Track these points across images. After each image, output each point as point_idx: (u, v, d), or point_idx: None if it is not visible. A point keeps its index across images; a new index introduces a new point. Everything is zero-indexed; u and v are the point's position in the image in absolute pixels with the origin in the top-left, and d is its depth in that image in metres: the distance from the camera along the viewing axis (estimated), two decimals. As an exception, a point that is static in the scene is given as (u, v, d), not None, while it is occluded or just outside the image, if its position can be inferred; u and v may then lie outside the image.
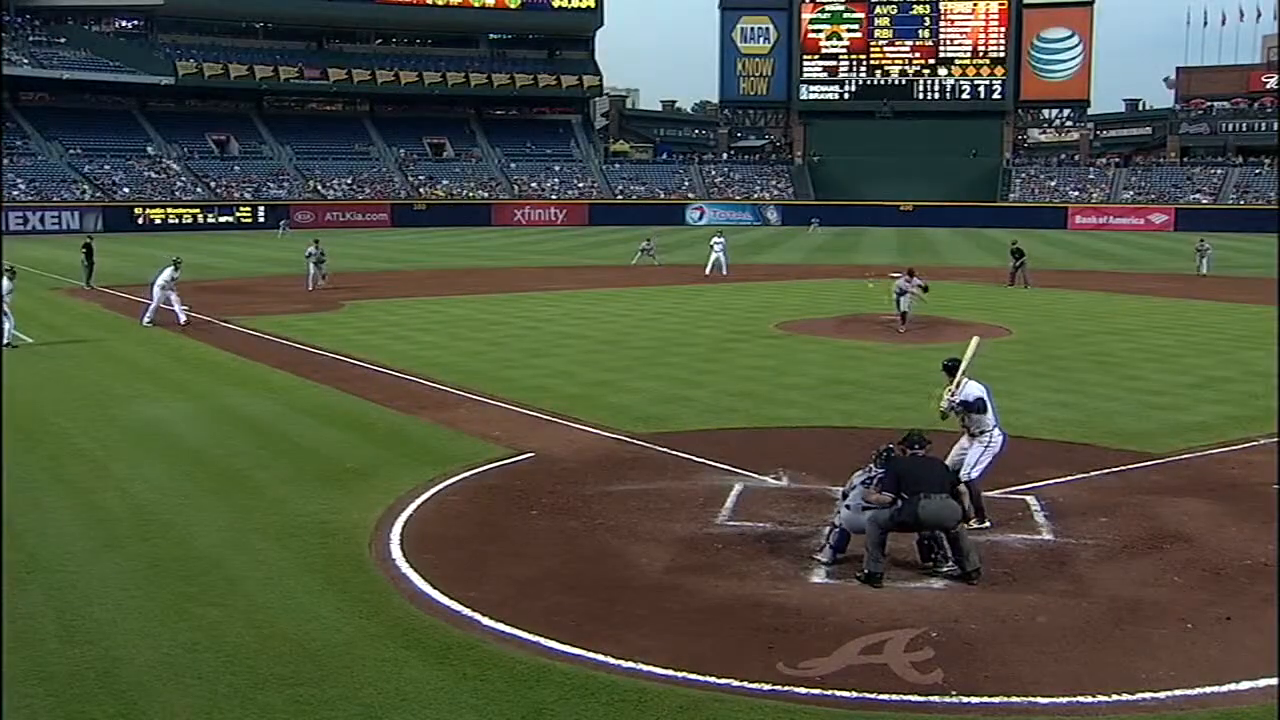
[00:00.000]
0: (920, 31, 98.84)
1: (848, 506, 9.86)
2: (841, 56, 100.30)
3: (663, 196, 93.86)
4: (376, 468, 13.03)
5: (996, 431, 10.98)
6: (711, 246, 43.21)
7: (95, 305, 30.68)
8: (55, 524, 10.89)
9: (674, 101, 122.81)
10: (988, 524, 10.82)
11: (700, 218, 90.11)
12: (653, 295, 33.96)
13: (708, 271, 41.26)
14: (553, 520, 11.17)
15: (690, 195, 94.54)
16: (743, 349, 22.59)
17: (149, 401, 17.06)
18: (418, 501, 11.65)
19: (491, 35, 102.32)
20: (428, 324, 26.81)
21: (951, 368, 11.31)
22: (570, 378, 19.18)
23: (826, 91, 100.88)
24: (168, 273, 26.15)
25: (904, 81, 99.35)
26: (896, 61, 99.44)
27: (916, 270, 26.87)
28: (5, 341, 22.12)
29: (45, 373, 19.66)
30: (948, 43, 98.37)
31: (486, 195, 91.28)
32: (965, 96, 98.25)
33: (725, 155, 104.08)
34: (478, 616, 8.64)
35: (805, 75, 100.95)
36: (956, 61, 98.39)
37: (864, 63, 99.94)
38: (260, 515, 11.22)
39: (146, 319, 25.71)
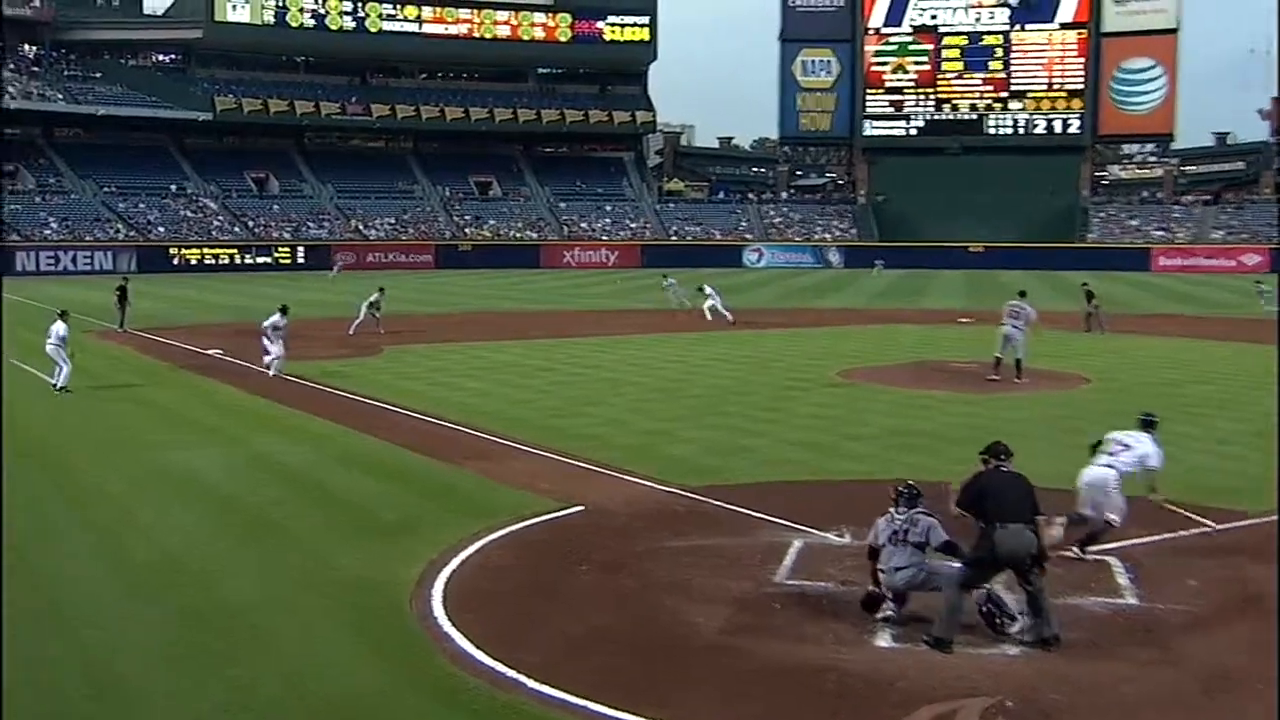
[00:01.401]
0: (991, 63, 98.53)
1: (897, 570, 9.69)
2: (907, 90, 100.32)
3: (719, 237, 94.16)
4: (418, 520, 13.11)
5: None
6: (696, 294, 42.29)
7: (128, 349, 31.28)
8: (82, 570, 11.10)
9: (731, 138, 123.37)
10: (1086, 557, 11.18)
11: (758, 260, 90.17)
12: (708, 341, 33.96)
13: (708, 318, 39.65)
14: (603, 577, 11.16)
15: (748, 236, 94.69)
16: (803, 398, 22.50)
17: (181, 447, 17.33)
18: (461, 556, 11.69)
19: (540, 70, 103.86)
20: (472, 370, 27.01)
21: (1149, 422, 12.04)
22: (622, 427, 19.21)
23: (892, 127, 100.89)
24: (275, 318, 25.49)
25: (974, 116, 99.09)
26: (966, 95, 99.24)
27: (1020, 308, 25.19)
28: (59, 385, 22.80)
29: (76, 417, 20.06)
30: (1021, 74, 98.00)
31: (535, 236, 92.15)
32: (1040, 131, 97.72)
33: (785, 194, 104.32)
34: (523, 678, 8.63)
35: (869, 110, 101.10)
36: (1030, 94, 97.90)
37: (931, 96, 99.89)
38: (295, 567, 11.33)
39: (274, 371, 25.08)
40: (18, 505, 13.50)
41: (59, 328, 23.65)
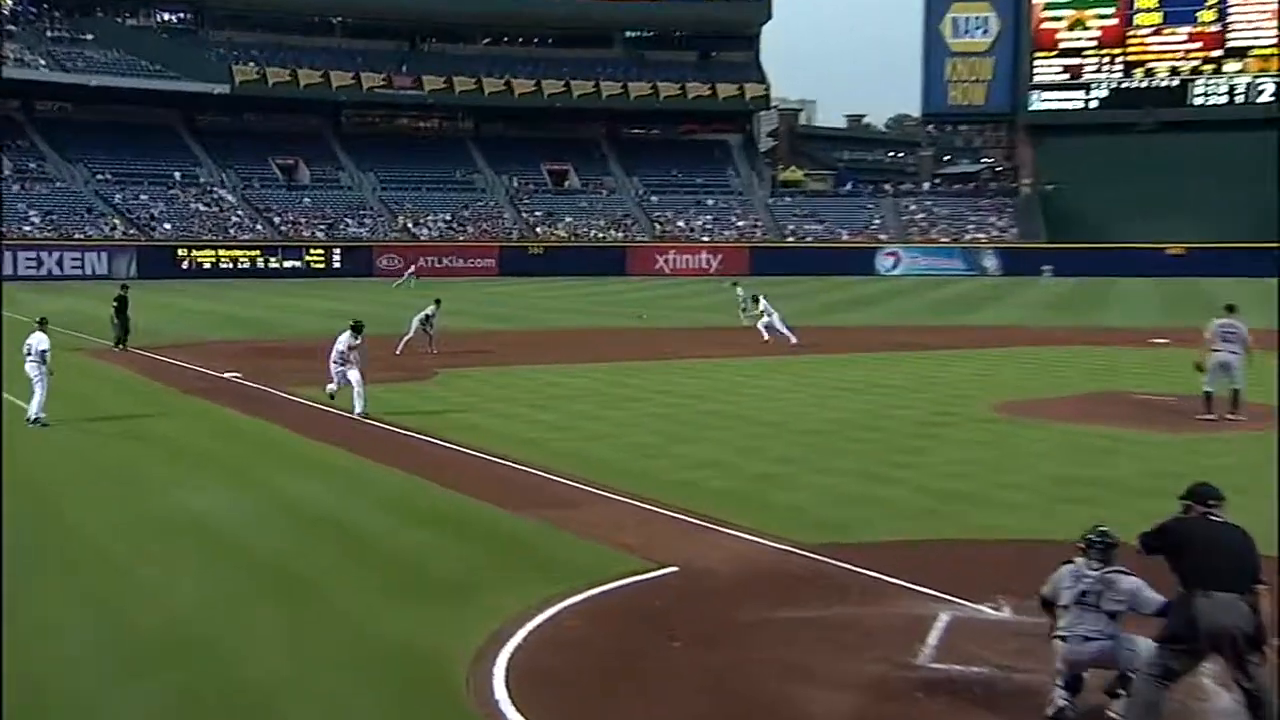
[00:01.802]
0: (1200, 13, 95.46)
1: (1087, 640, 9.54)
2: (1088, 52, 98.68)
3: (845, 239, 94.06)
4: (477, 580, 13.25)
5: None
6: (751, 304, 42.30)
7: (128, 370, 32.12)
8: (68, 643, 11.33)
9: (862, 116, 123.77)
10: None
11: (894, 265, 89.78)
12: (832, 364, 33.87)
13: (765, 338, 39.23)
14: (699, 654, 11.16)
15: (882, 237, 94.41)
16: (950, 435, 22.31)
17: (190, 490, 17.71)
18: (529, 626, 11.76)
19: (629, 33, 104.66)
20: (542, 398, 27.27)
21: None
22: (724, 470, 19.23)
23: (1066, 99, 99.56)
24: (345, 338, 24.61)
25: (1175, 83, 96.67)
26: (1165, 56, 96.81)
27: (1234, 328, 24.07)
28: (32, 416, 22.96)
29: (61, 454, 20.64)
30: (1242, 26, 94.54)
31: (621, 236, 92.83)
32: (1265, 100, 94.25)
33: (928, 185, 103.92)
34: (601, 776, 8.68)
35: (1037, 78, 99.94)
36: (1253, 52, 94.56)
37: (1119, 59, 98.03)
38: (327, 636, 11.52)
39: (359, 407, 24.15)
40: None
41: (38, 340, 23.64)
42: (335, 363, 24.59)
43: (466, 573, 13.54)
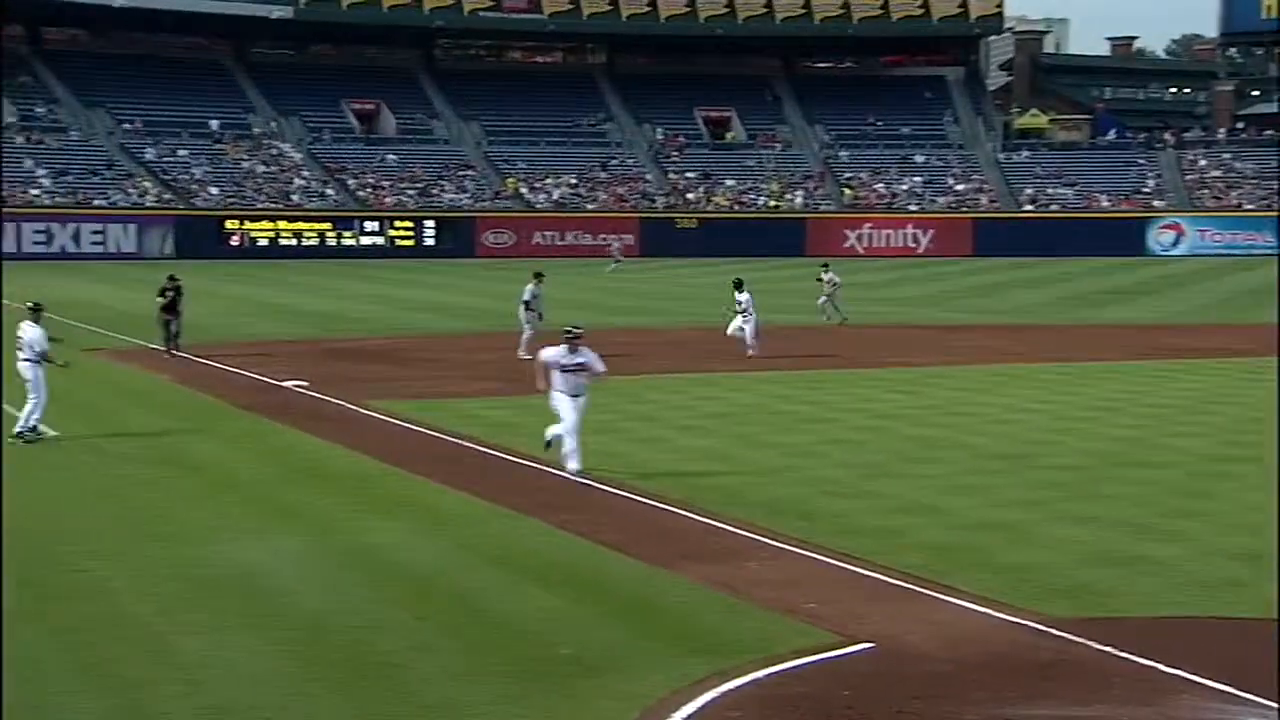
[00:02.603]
0: None
1: None
2: None
3: (1106, 206, 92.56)
4: (610, 657, 13.31)
5: None
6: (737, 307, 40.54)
7: (162, 377, 32.88)
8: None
9: (1131, 40, 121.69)
10: None
11: (1175, 242, 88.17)
12: (1085, 376, 33.49)
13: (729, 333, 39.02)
14: (906, 764, 11.13)
15: (1158, 204, 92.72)
16: (1251, 476, 21.82)
17: (239, 536, 18.02)
18: (677, 717, 11.83)
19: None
20: (696, 418, 27.33)
21: None
22: (936, 515, 19.08)
23: None
24: (556, 350, 23.17)
25: None
26: None
27: None
28: (20, 427, 23.90)
29: (73, 487, 21.08)
30: None
31: (800, 204, 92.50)
32: None
33: (1225, 132, 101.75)
34: None
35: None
36: None
37: None
38: (413, 733, 11.69)
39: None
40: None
41: (31, 333, 24.58)
42: (558, 390, 22.04)
43: (596, 648, 13.57)
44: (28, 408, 24.13)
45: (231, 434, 25.48)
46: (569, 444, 21.51)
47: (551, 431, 21.93)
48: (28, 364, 24.28)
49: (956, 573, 16.10)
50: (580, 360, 21.91)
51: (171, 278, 38.03)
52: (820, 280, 46.72)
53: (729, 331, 39.22)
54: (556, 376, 21.81)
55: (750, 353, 37.51)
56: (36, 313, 25.05)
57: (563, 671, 12.97)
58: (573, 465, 21.43)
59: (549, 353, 22.34)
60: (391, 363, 35.31)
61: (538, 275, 37.59)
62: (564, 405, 21.66)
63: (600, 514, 19.28)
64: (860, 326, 45.70)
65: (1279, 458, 19.27)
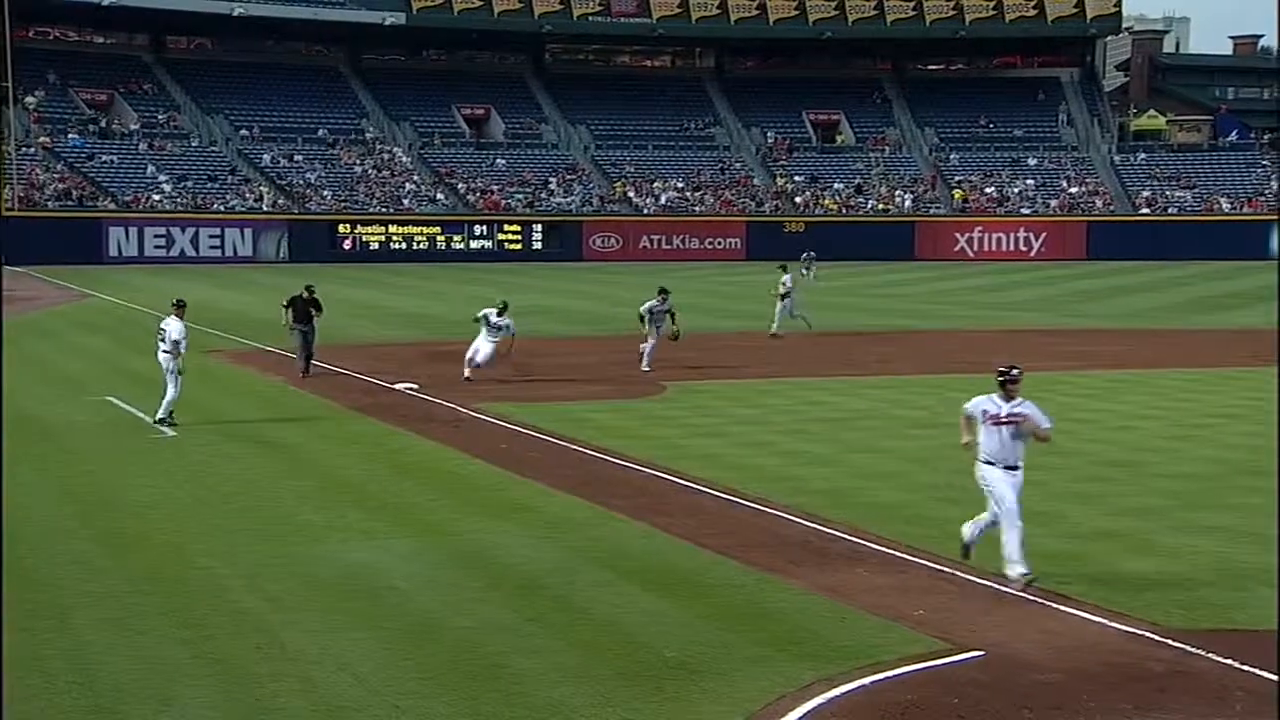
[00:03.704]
0: None
1: None
2: None
3: (1227, 209, 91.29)
4: (715, 662, 13.25)
5: None
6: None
7: (275, 379, 33.19)
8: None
9: (1257, 39, 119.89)
10: None
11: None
12: (1207, 383, 33.09)
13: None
14: (1018, 773, 11.00)
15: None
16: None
17: (353, 537, 18.19)
18: (785, 723, 11.80)
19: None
20: (805, 422, 27.25)
21: None
22: (1052, 522, 18.83)
23: None
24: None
25: None
26: None
27: None
28: (159, 416, 25.70)
29: (192, 484, 21.38)
30: None
31: (909, 207, 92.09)
32: None
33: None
34: None
35: None
36: None
37: None
38: (523, 734, 11.69)
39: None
40: (94, 619, 14.52)
41: (174, 326, 26.02)
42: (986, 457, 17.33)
43: (703, 651, 13.54)
44: (168, 396, 25.65)
45: (344, 436, 25.70)
46: (1011, 541, 15.85)
47: (975, 528, 16.51)
48: (168, 356, 25.80)
49: (1070, 581, 15.92)
50: (1020, 411, 16.65)
51: (309, 288, 33.82)
52: (782, 284, 44.50)
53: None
54: (986, 435, 16.59)
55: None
56: (180, 309, 26.47)
57: (667, 674, 12.95)
58: (1018, 570, 15.74)
59: (975, 403, 17.00)
60: (503, 366, 35.41)
61: (663, 292, 36.88)
62: (996, 482, 16.27)
63: (703, 519, 19.23)
64: (975, 330, 45.39)
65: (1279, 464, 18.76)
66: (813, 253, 71.90)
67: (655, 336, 34.71)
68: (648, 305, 36.03)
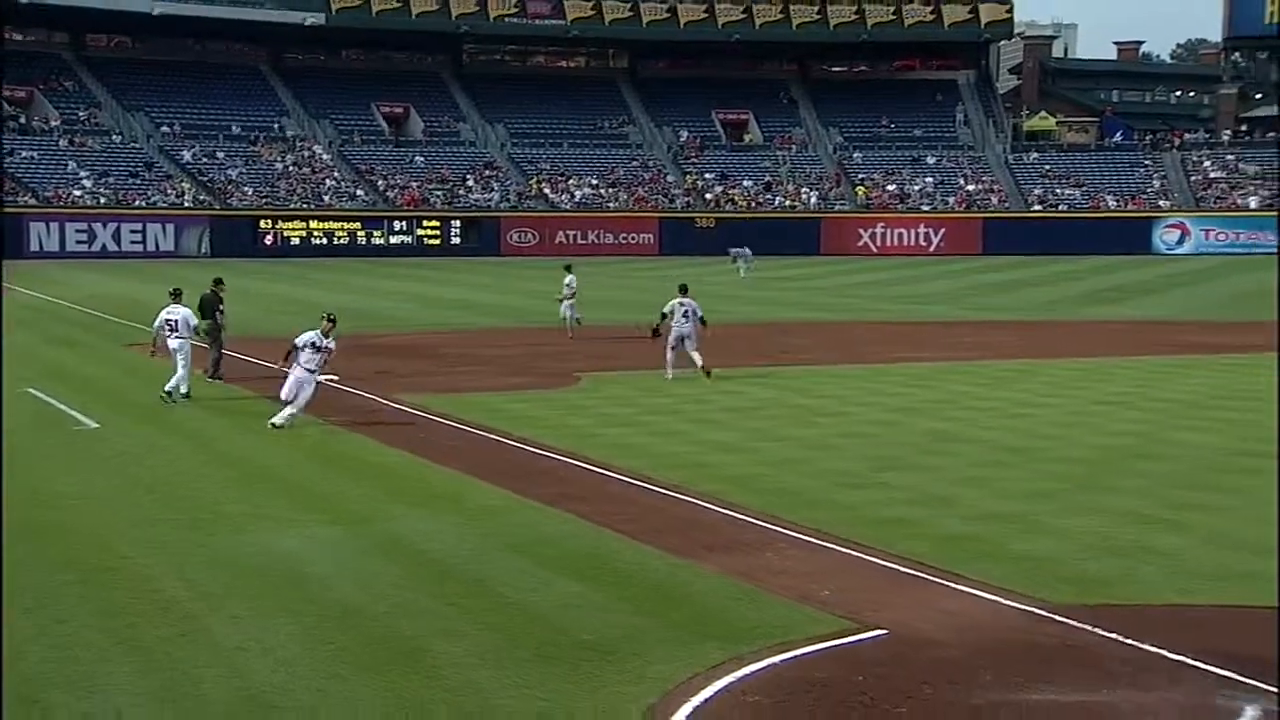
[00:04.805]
0: None
1: None
2: None
3: (1113, 207, 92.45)
4: (630, 642, 13.35)
5: None
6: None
7: (198, 371, 32.92)
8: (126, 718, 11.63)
9: (1138, 45, 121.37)
10: None
11: (1179, 241, 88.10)
12: (1095, 372, 33.47)
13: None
14: (917, 746, 11.13)
15: (1163, 204, 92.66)
16: (1257, 469, 21.76)
17: (276, 526, 18.12)
18: (694, 702, 11.82)
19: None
20: (716, 411, 27.36)
21: None
22: (948, 506, 19.14)
23: None
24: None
25: None
26: None
27: None
28: (183, 392, 27.69)
29: (118, 476, 21.24)
30: None
31: (815, 203, 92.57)
32: None
33: (1229, 134, 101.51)
34: None
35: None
36: None
37: None
38: (437, 712, 11.70)
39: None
40: (19, 607, 14.44)
41: (180, 312, 28.31)
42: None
43: (617, 633, 13.63)
44: (178, 375, 27.51)
45: (264, 427, 25.55)
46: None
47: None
48: (179, 340, 27.80)
49: (966, 562, 16.16)
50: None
51: (217, 281, 32.49)
52: (566, 285, 42.12)
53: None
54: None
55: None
56: (177, 296, 28.72)
57: (583, 656, 13.03)
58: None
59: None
60: (420, 358, 35.41)
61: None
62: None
63: (618, 505, 19.33)
64: (878, 322, 45.69)
65: (1279, 453, 19.16)
66: (747, 250, 71.97)
67: (691, 340, 31.34)
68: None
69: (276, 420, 24.65)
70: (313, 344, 24.91)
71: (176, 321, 28.05)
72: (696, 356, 30.76)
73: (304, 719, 11.60)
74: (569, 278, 42.13)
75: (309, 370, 25.00)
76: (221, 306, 31.65)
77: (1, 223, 63.11)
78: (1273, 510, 18.86)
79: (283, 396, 24.98)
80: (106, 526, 18.05)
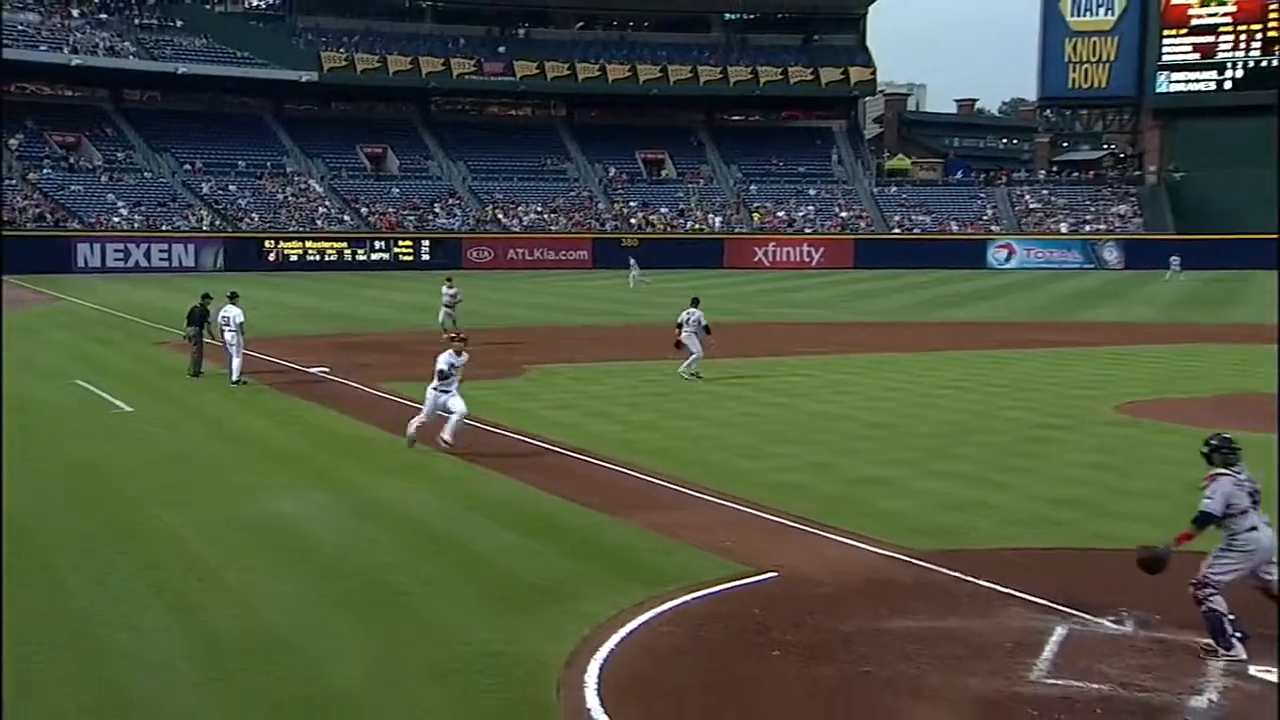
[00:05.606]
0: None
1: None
2: (1223, 30, 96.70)
3: (956, 230, 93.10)
4: (568, 586, 13.37)
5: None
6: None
7: (210, 364, 32.65)
8: (154, 649, 11.57)
9: (973, 101, 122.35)
10: None
11: (1007, 259, 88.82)
12: (942, 363, 33.66)
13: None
14: (801, 665, 11.17)
15: (995, 229, 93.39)
16: (1067, 439, 22.10)
17: (278, 492, 18.03)
18: (621, 633, 11.88)
19: (728, 16, 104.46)
20: (639, 396, 27.42)
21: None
22: (828, 472, 19.24)
23: (1197, 80, 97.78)
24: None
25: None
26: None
27: None
28: (235, 379, 27.95)
29: (147, 452, 21.06)
30: None
31: (719, 227, 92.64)
32: None
33: (1044, 173, 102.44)
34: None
35: (1166, 58, 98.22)
36: None
37: (1257, 35, 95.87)
38: (414, 644, 11.68)
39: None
40: (70, 560, 14.30)
41: (232, 310, 28.57)
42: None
43: (559, 578, 13.66)
44: (236, 363, 28.15)
45: (265, 410, 25.38)
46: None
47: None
48: (232, 334, 28.40)
49: (843, 517, 16.27)
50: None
51: (205, 296, 30.55)
52: (444, 295, 39.82)
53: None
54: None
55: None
56: (234, 299, 29.17)
57: (532, 597, 13.05)
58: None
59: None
60: (398, 353, 35.21)
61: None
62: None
63: (558, 473, 19.30)
64: (770, 322, 45.80)
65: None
66: (634, 261, 71.69)
67: (698, 348, 30.12)
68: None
69: (446, 438, 20.63)
70: (451, 364, 21.26)
71: (230, 318, 28.65)
72: (692, 359, 30.07)
73: (300, 649, 11.56)
74: (450, 289, 39.35)
75: (444, 392, 21.15)
76: (209, 319, 29.78)
77: (1, 243, 61.76)
78: (1067, 471, 19.23)
79: (423, 420, 21.15)
80: (140, 491, 17.93)
